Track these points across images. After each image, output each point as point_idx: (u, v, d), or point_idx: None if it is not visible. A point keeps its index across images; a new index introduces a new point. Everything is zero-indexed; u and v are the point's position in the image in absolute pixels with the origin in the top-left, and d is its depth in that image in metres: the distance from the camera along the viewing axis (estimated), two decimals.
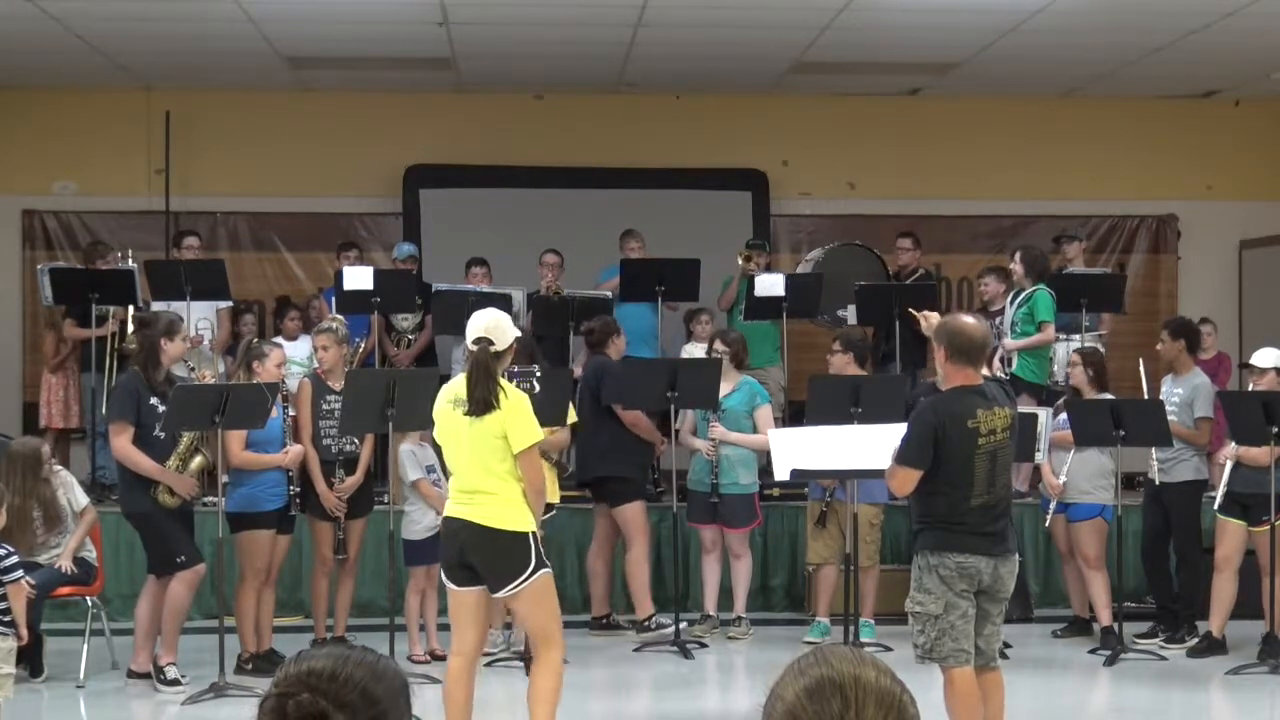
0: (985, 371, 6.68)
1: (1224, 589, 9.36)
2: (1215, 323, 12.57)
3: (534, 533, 6.57)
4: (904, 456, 6.47)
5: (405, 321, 12.10)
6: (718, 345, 10.13)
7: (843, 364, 9.94)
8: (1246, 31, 11.23)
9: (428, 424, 9.20)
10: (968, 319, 6.73)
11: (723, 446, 9.84)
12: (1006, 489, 6.56)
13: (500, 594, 6.57)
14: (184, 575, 8.40)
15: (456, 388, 6.61)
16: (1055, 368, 11.19)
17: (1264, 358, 9.35)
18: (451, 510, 6.61)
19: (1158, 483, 9.69)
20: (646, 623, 9.86)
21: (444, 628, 9.43)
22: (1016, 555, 6.58)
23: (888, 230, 12.89)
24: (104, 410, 10.10)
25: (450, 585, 6.65)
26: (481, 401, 6.49)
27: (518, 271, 12.05)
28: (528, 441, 6.58)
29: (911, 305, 11.10)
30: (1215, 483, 9.64)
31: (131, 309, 10.99)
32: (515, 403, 6.60)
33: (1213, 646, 9.36)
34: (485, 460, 6.53)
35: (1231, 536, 9.35)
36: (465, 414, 6.50)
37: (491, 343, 6.55)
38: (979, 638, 6.44)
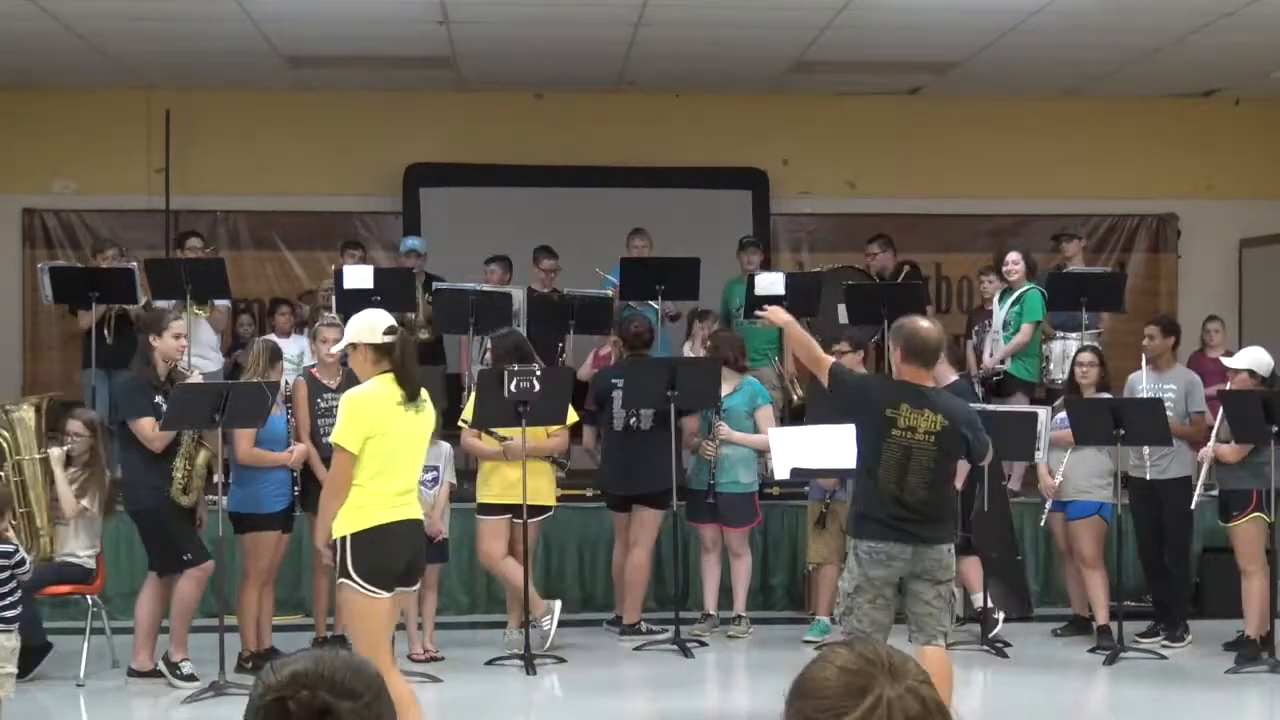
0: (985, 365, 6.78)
1: (1250, 589, 9.20)
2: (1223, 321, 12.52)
3: None
4: (836, 369, 6.87)
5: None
6: (708, 344, 10.20)
7: (851, 363, 9.92)
8: (1246, 31, 11.24)
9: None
10: (924, 322, 6.89)
11: (724, 446, 9.84)
12: (930, 493, 6.57)
13: (413, 589, 6.61)
14: (192, 573, 8.39)
15: (389, 388, 6.38)
16: (1051, 365, 11.20)
17: (1238, 359, 9.37)
18: (396, 515, 6.36)
19: (1148, 478, 9.67)
20: (635, 626, 9.85)
21: (441, 627, 9.48)
22: (946, 547, 6.68)
23: (888, 229, 12.88)
24: (111, 410, 10.06)
25: (383, 594, 6.30)
26: (418, 385, 6.45)
27: (518, 270, 12.08)
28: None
29: (899, 305, 11.12)
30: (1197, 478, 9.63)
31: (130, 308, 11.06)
32: (429, 400, 6.65)
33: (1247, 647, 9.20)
34: (420, 455, 6.57)
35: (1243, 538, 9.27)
36: (408, 409, 6.40)
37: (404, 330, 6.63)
38: (913, 616, 6.69)
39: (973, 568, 9.67)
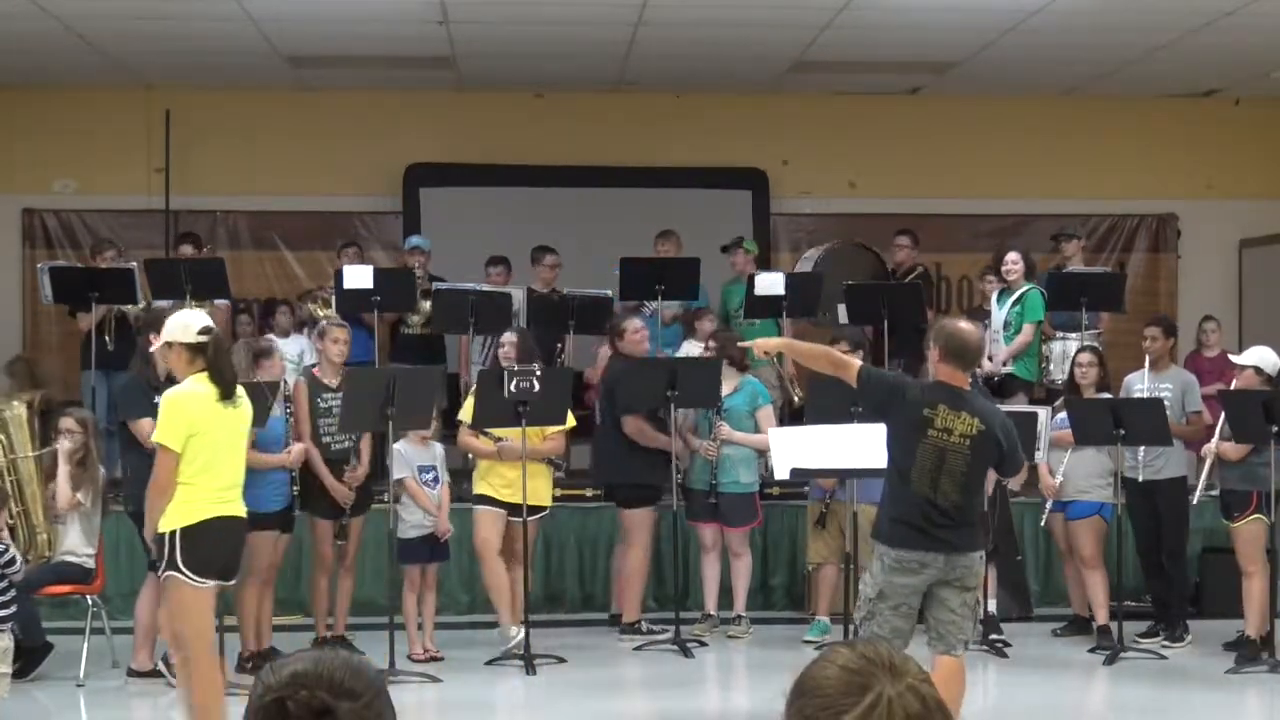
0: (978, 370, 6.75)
1: (1250, 589, 9.20)
2: (1219, 320, 12.52)
3: None
4: (865, 370, 6.73)
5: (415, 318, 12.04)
6: (710, 344, 10.20)
7: None
8: (1246, 30, 11.24)
9: (427, 423, 9.32)
10: (964, 323, 6.79)
11: (725, 445, 9.84)
12: (963, 497, 6.47)
13: (232, 582, 6.76)
14: None
15: (206, 386, 6.51)
16: (1050, 366, 11.19)
17: (1245, 356, 9.38)
18: (220, 510, 6.55)
19: (1141, 479, 9.66)
20: (635, 625, 9.86)
21: (441, 627, 9.49)
22: (978, 554, 6.57)
23: (888, 229, 12.88)
24: (111, 411, 10.06)
25: (210, 585, 6.56)
26: (233, 382, 6.61)
27: (518, 270, 12.09)
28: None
29: (900, 304, 11.12)
30: (1197, 478, 9.64)
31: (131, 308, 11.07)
32: (246, 396, 6.80)
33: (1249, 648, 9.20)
34: (242, 450, 6.72)
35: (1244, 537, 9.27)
36: (227, 406, 6.55)
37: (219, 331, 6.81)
38: (935, 622, 6.52)
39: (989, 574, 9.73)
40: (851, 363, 6.76)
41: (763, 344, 7.29)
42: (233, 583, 6.76)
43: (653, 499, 9.85)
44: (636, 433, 9.79)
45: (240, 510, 6.68)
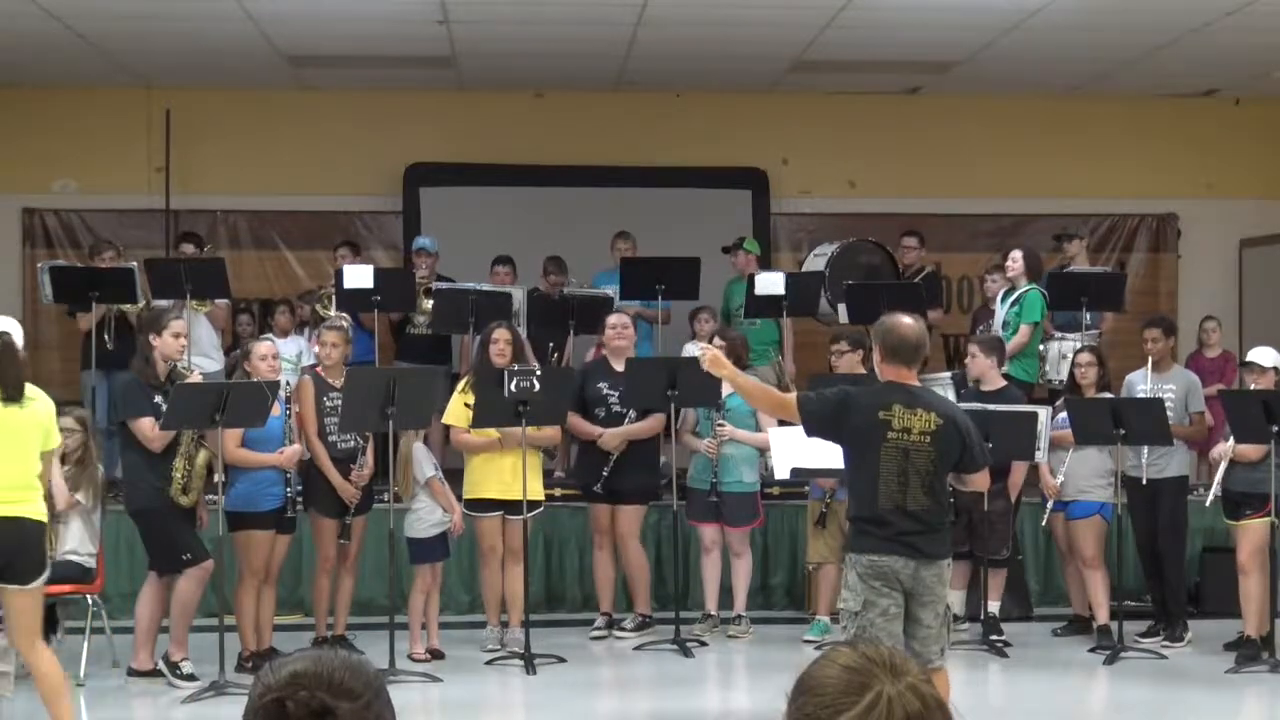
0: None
1: (1249, 589, 9.20)
2: (1220, 320, 12.50)
3: None
4: (803, 398, 6.58)
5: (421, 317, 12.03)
6: (716, 342, 10.17)
7: (852, 362, 9.93)
8: (1247, 30, 11.24)
9: (427, 423, 9.33)
10: (904, 319, 6.55)
11: (727, 445, 9.84)
12: (931, 499, 6.35)
13: (30, 587, 6.64)
14: (192, 572, 8.41)
15: None
16: (1047, 366, 11.18)
17: (1265, 356, 9.35)
18: (7, 511, 6.56)
19: (1144, 480, 9.65)
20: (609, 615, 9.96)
21: (445, 625, 9.50)
22: (945, 562, 6.44)
23: (888, 229, 12.89)
24: (111, 410, 10.06)
25: None
26: (17, 384, 6.62)
27: (521, 271, 12.07)
28: (57, 441, 6.94)
29: (900, 304, 11.10)
30: (1205, 479, 9.62)
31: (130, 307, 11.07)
32: (47, 399, 6.79)
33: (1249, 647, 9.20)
34: (31, 452, 6.67)
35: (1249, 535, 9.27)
36: (9, 406, 6.58)
37: (9, 334, 6.79)
38: (913, 640, 6.36)
39: (998, 578, 9.71)
40: (788, 400, 6.67)
41: (713, 365, 6.91)
42: (26, 587, 6.65)
43: (595, 495, 9.88)
44: (573, 428, 9.92)
45: (27, 511, 6.64)
